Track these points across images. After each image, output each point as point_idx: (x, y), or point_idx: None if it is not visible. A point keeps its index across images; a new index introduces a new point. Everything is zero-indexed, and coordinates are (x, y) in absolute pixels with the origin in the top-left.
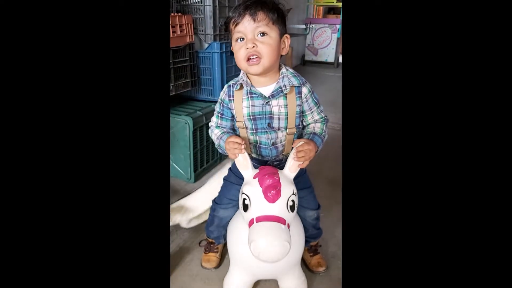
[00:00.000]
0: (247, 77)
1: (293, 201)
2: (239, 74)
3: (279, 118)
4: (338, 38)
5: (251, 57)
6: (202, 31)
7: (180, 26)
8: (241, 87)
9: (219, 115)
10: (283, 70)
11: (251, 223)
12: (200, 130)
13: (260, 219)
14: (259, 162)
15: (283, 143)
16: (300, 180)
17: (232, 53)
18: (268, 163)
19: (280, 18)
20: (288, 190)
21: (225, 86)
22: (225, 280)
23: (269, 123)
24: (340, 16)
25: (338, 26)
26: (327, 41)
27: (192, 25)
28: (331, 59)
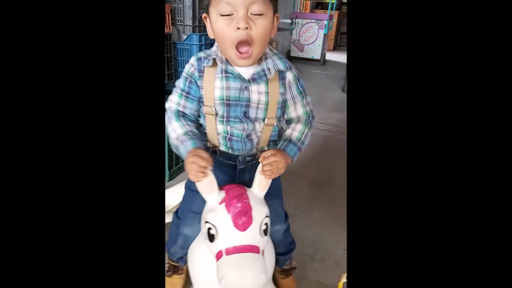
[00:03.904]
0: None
1: (266, 224)
2: None
3: (257, 107)
4: (325, 35)
5: (241, 48)
6: (181, 21)
7: None
8: (215, 63)
9: (183, 93)
10: (267, 49)
11: (219, 255)
12: None
13: (230, 251)
14: (228, 156)
15: (259, 134)
16: (270, 189)
17: (211, 46)
18: (240, 157)
19: None
20: (260, 213)
21: (193, 58)
22: None
23: (245, 112)
24: (328, 12)
25: (325, 22)
26: (313, 37)
27: (170, 15)
28: (317, 56)
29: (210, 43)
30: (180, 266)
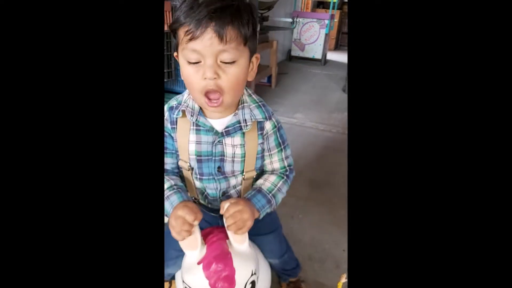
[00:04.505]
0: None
1: (253, 282)
2: None
3: (232, 161)
4: (326, 34)
5: (211, 95)
6: None
7: None
8: (184, 114)
9: None
10: (245, 97)
11: None
12: None
13: None
14: (209, 211)
15: (238, 189)
16: (264, 223)
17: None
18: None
19: (254, 33)
20: (245, 273)
21: (166, 106)
22: None
23: (219, 167)
24: (329, 11)
25: (327, 22)
26: (314, 37)
27: (170, 12)
28: (318, 55)
29: None
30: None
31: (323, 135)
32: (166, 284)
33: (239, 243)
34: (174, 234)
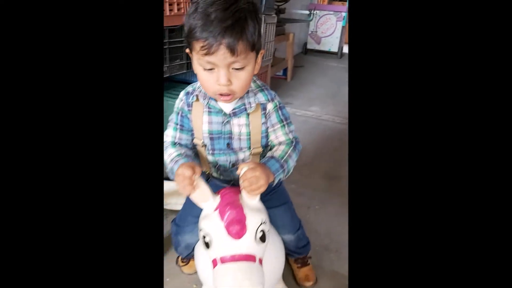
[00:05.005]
0: None
1: (263, 231)
2: None
3: (239, 139)
4: (343, 27)
5: (224, 96)
6: None
7: (178, 4)
8: (197, 99)
9: (177, 127)
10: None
11: (214, 263)
12: None
13: (225, 259)
14: (221, 182)
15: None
16: (274, 195)
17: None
18: (232, 182)
19: (259, 34)
20: (255, 220)
21: (182, 93)
22: None
23: (228, 144)
24: (347, 4)
25: (344, 14)
26: (331, 30)
27: (190, 3)
28: (334, 48)
29: None
30: (191, 258)
31: (339, 128)
32: (188, 266)
33: (252, 198)
34: (180, 189)
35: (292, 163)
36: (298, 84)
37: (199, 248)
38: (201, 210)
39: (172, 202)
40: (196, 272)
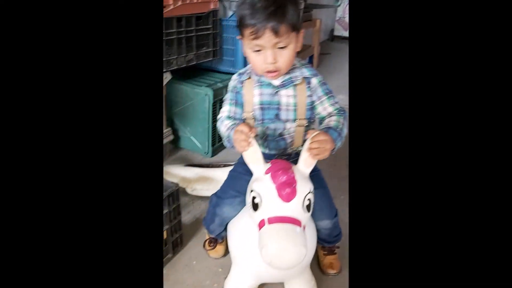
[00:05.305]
0: None
1: (309, 200)
2: None
3: (287, 109)
4: None
5: (271, 73)
6: None
7: None
8: (250, 77)
9: (232, 102)
10: (295, 61)
11: (261, 224)
12: (220, 103)
13: (272, 220)
14: (265, 156)
15: (292, 135)
16: (313, 178)
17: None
18: (276, 157)
19: (298, 16)
20: (304, 188)
21: (235, 75)
22: (227, 283)
23: (276, 114)
24: None
25: None
26: None
27: None
28: None
29: None
30: (219, 241)
31: None
32: (221, 247)
33: (307, 166)
34: (238, 147)
35: (345, 130)
36: (325, 72)
37: (239, 221)
38: (242, 185)
39: (198, 188)
40: (222, 256)
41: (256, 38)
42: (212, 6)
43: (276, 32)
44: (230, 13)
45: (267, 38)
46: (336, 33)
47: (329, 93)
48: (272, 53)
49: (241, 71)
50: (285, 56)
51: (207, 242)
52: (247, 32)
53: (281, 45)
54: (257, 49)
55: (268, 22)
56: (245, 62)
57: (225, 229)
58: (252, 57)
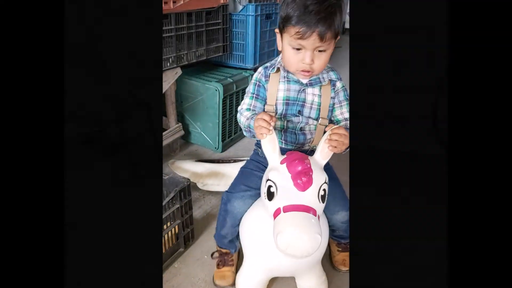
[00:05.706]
0: None
1: (324, 190)
2: (273, 39)
3: (311, 107)
4: None
5: (304, 72)
6: None
7: None
8: (278, 70)
9: (253, 95)
10: None
11: (277, 213)
12: (230, 98)
13: (288, 208)
14: (282, 150)
15: (312, 131)
16: (326, 171)
17: (267, 16)
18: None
19: (342, 26)
20: (320, 178)
21: (261, 68)
22: (239, 277)
23: (299, 110)
24: None
25: None
26: None
27: None
28: None
29: (265, 14)
30: (231, 254)
31: None
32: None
33: (323, 157)
34: (257, 134)
35: None
36: (335, 66)
37: (247, 217)
38: (253, 181)
39: (209, 183)
40: (231, 286)
41: (301, 38)
42: (222, 1)
43: (321, 37)
44: (240, 7)
45: (312, 41)
46: (347, 25)
47: (348, 99)
48: (311, 54)
49: (267, 64)
50: (322, 60)
51: (215, 258)
52: (293, 30)
53: (321, 48)
54: (298, 47)
55: (317, 26)
56: (255, 57)
57: (238, 236)
58: (290, 53)
